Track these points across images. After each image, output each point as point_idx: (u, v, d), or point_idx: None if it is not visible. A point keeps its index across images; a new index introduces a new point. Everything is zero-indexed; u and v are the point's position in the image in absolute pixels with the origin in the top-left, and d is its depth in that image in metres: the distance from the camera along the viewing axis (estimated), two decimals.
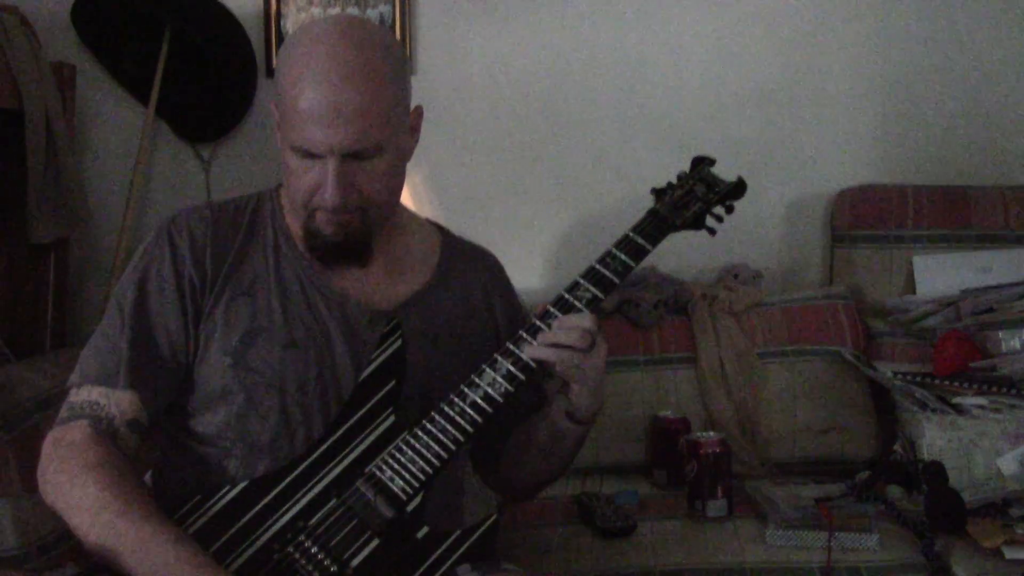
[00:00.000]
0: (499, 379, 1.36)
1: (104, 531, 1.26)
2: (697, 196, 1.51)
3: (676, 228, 1.49)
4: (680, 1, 2.54)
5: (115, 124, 2.61)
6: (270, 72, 2.57)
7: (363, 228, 1.41)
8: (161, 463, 1.48)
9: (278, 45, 2.56)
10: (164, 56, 2.44)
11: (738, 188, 1.53)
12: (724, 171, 1.56)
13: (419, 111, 1.46)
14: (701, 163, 1.56)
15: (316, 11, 2.54)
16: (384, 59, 1.35)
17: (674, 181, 1.54)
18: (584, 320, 1.38)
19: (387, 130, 1.36)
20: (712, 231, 1.53)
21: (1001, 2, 2.50)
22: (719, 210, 1.53)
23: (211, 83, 2.52)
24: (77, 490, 1.30)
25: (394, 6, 2.50)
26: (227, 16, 2.46)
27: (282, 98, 1.36)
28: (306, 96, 1.32)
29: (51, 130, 2.30)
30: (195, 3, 2.46)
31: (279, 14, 2.56)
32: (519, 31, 2.55)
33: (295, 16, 2.56)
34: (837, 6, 2.52)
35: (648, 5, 2.54)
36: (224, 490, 1.33)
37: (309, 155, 1.35)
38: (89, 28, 2.51)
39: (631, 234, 1.45)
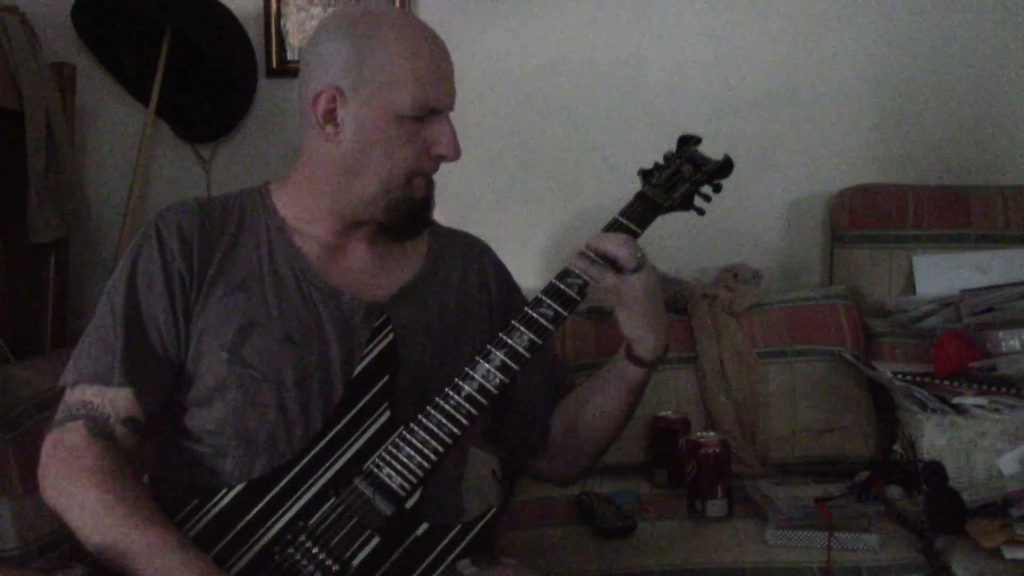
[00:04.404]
0: (493, 370, 1.35)
1: (107, 536, 1.26)
2: (684, 176, 1.50)
3: (664, 210, 1.49)
4: (680, 1, 2.54)
5: (115, 124, 2.61)
6: (270, 72, 2.57)
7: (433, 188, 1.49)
8: (157, 466, 1.47)
9: (278, 45, 2.56)
10: (164, 56, 2.45)
11: (725, 166, 1.52)
12: None
13: None
14: (687, 142, 1.55)
15: (316, 11, 2.54)
16: None
17: (660, 161, 1.53)
18: (617, 237, 1.41)
19: None
20: (701, 211, 1.52)
21: (1001, 2, 2.50)
22: (707, 189, 1.52)
23: (211, 83, 2.52)
24: (78, 494, 1.30)
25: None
26: (227, 16, 2.47)
27: (382, 71, 1.39)
28: (425, 58, 1.41)
29: (51, 130, 2.30)
30: (195, 3, 2.46)
31: (279, 14, 2.56)
32: (518, 31, 2.55)
33: (295, 16, 2.56)
34: (837, 6, 2.52)
35: (648, 5, 2.54)
36: (222, 492, 1.33)
37: (425, 115, 1.41)
38: (89, 28, 2.52)
39: (620, 218, 1.45)
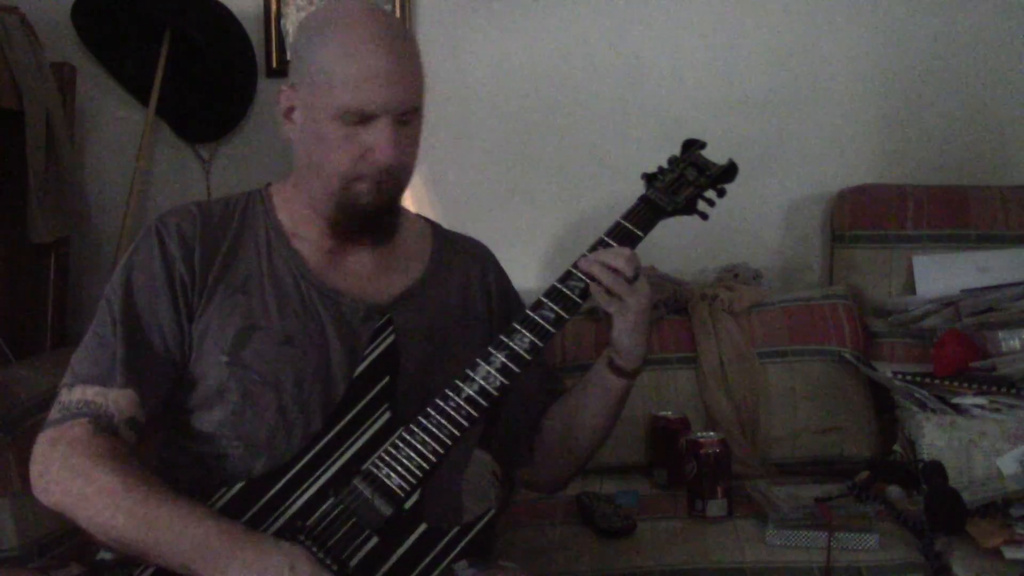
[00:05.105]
0: (493, 372, 1.35)
1: (133, 514, 1.26)
2: (688, 180, 1.50)
3: (668, 214, 1.48)
4: (680, 1, 2.54)
5: (115, 124, 2.61)
6: (270, 72, 2.57)
7: (394, 197, 1.44)
8: (158, 464, 1.47)
9: (278, 45, 2.56)
10: (164, 56, 2.45)
11: (729, 171, 1.52)
12: None
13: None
14: (692, 146, 1.55)
15: None
16: (408, 32, 1.44)
17: (665, 165, 1.53)
18: (625, 251, 1.40)
19: (423, 95, 1.42)
20: (704, 216, 1.52)
21: (1001, 2, 2.50)
22: (710, 194, 1.52)
23: (211, 83, 2.52)
24: (95, 480, 1.29)
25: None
26: (227, 16, 2.47)
27: (321, 71, 1.37)
28: (359, 59, 1.36)
29: (51, 130, 2.30)
30: (195, 3, 2.46)
31: (279, 14, 2.56)
32: (519, 32, 2.55)
33: (295, 16, 2.56)
34: (837, 6, 2.52)
35: (648, 5, 2.54)
36: (221, 491, 1.32)
37: (360, 120, 1.37)
38: (89, 28, 2.52)
39: (622, 221, 1.45)
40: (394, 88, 1.37)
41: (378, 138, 1.37)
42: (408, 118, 1.40)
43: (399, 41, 1.39)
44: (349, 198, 1.41)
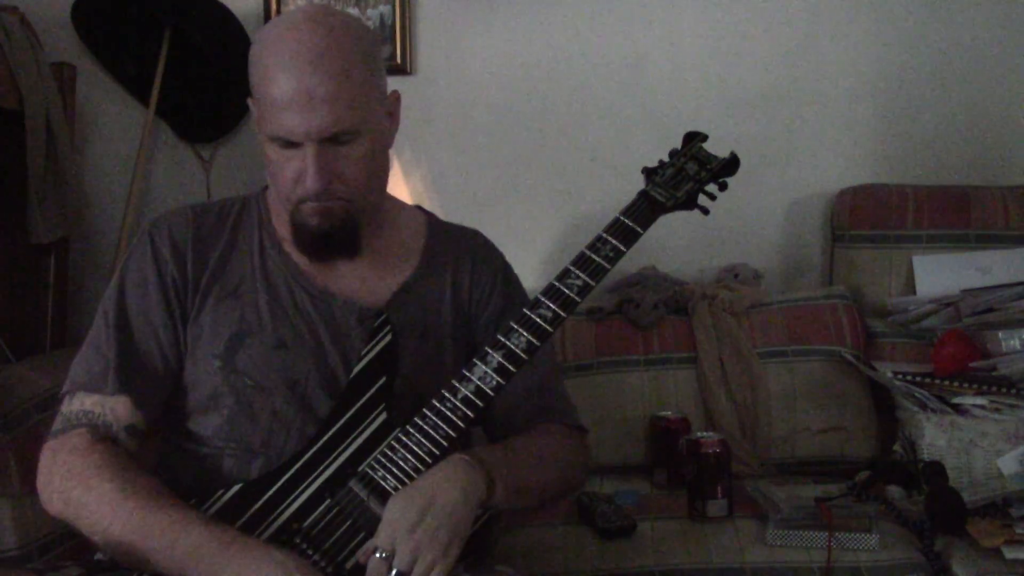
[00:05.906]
0: (490, 372, 1.34)
1: (128, 522, 1.26)
2: (689, 175, 1.49)
3: (668, 209, 1.46)
4: (680, 1, 2.54)
5: (115, 124, 2.61)
6: None
7: (348, 216, 1.39)
8: (158, 466, 1.47)
9: None
10: (164, 56, 2.45)
11: (731, 164, 1.51)
12: None
13: (396, 96, 1.46)
14: (693, 139, 1.53)
15: None
16: (353, 42, 1.35)
17: (665, 159, 1.52)
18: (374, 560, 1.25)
19: (361, 113, 1.35)
20: (705, 210, 1.51)
21: (1001, 2, 2.49)
22: (711, 188, 1.51)
23: (211, 83, 2.52)
24: (94, 488, 1.30)
25: (394, 6, 2.50)
26: (227, 16, 2.46)
27: (257, 91, 1.36)
28: (278, 84, 1.32)
29: (51, 130, 2.30)
30: (195, 3, 2.46)
31: (279, 14, 2.55)
32: (519, 31, 2.55)
33: None
34: (837, 6, 2.52)
35: (648, 5, 2.54)
36: (218, 494, 1.33)
37: (288, 144, 1.35)
38: (89, 28, 2.52)
39: (622, 217, 1.43)
40: (314, 114, 1.31)
41: (303, 164, 1.34)
42: (346, 139, 1.35)
43: (328, 61, 1.32)
44: (299, 219, 1.39)
